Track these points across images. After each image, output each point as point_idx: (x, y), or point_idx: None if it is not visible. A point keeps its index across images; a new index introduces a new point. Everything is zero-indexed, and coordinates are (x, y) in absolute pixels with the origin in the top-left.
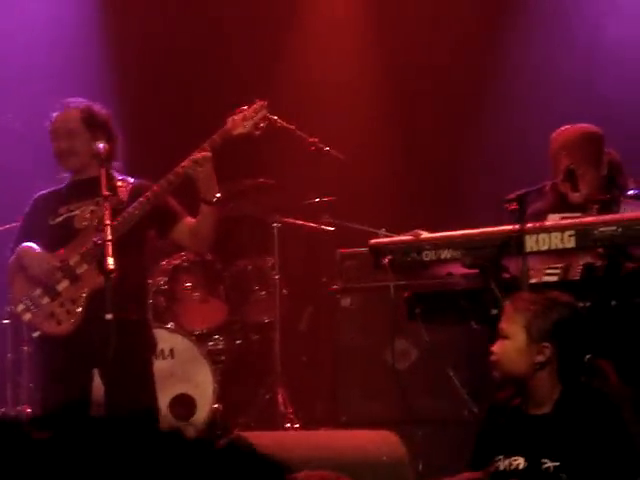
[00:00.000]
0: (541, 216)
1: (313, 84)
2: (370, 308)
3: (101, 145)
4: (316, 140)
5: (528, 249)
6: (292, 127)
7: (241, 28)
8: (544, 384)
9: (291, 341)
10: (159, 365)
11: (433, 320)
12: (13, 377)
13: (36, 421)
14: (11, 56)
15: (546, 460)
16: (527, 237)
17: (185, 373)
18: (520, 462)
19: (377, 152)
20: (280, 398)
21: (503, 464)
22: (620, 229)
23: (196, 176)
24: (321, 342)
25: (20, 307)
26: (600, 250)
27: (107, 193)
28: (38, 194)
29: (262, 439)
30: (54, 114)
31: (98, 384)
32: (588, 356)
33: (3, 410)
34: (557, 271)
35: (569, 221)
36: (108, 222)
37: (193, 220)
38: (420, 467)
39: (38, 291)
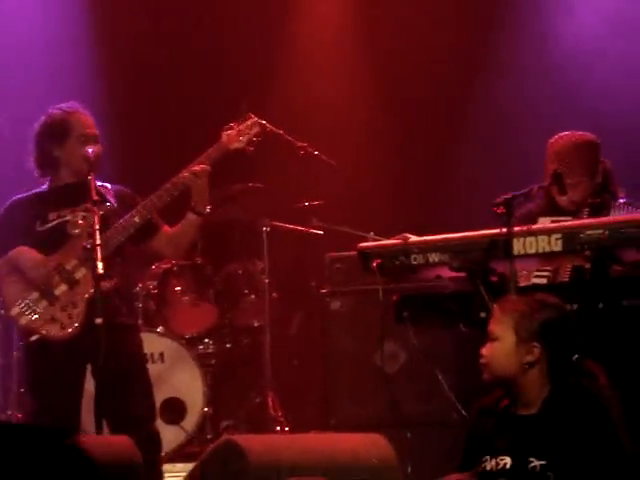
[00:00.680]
0: (532, 218)
1: (304, 91)
2: (359, 311)
3: (90, 150)
4: (305, 145)
5: (516, 252)
6: (281, 132)
7: (234, 37)
8: (534, 384)
9: (281, 344)
10: (149, 369)
11: (422, 323)
12: (3, 382)
13: None
14: None
15: (533, 459)
16: (515, 240)
17: (175, 377)
18: (507, 462)
19: (365, 156)
20: (270, 401)
21: (490, 464)
22: (607, 232)
23: (193, 188)
24: (311, 345)
25: (15, 310)
26: (587, 253)
27: (97, 198)
28: (15, 198)
29: (252, 442)
30: (84, 117)
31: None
32: (576, 356)
33: None
34: (546, 274)
35: (556, 224)
36: (97, 227)
37: (169, 229)
38: (409, 469)
39: (34, 295)
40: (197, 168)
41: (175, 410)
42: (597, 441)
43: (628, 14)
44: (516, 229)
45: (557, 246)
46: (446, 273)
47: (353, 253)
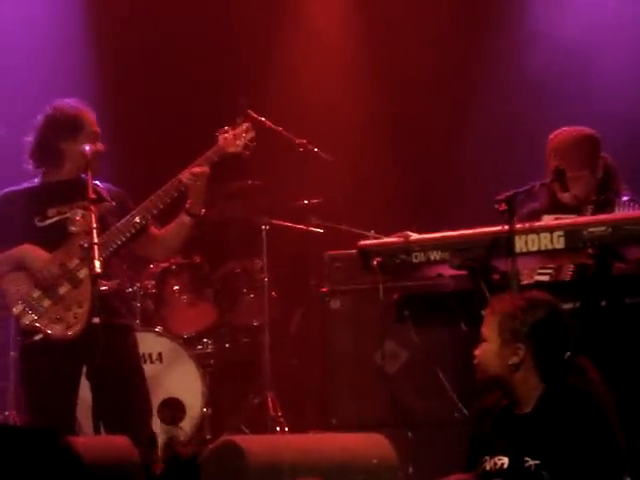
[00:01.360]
0: (536, 216)
1: (301, 88)
2: (359, 310)
3: (87, 148)
4: (304, 141)
5: (518, 250)
6: (280, 129)
7: (229, 29)
8: (524, 384)
9: (280, 344)
10: (147, 369)
11: (422, 322)
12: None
13: None
14: None
15: (528, 459)
16: (517, 238)
17: (173, 377)
18: (504, 461)
19: (365, 154)
20: (270, 401)
21: (489, 464)
22: (609, 229)
23: (191, 189)
24: (310, 345)
25: (18, 309)
26: (590, 250)
27: (93, 196)
28: (8, 191)
29: (251, 442)
30: (92, 114)
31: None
32: (568, 354)
33: None
34: (549, 271)
35: (558, 222)
36: (95, 225)
37: (158, 230)
38: (410, 469)
39: (37, 293)
40: (197, 170)
41: (174, 410)
42: (590, 440)
43: (628, 16)
44: (518, 226)
45: (559, 243)
46: (447, 271)
47: (353, 251)
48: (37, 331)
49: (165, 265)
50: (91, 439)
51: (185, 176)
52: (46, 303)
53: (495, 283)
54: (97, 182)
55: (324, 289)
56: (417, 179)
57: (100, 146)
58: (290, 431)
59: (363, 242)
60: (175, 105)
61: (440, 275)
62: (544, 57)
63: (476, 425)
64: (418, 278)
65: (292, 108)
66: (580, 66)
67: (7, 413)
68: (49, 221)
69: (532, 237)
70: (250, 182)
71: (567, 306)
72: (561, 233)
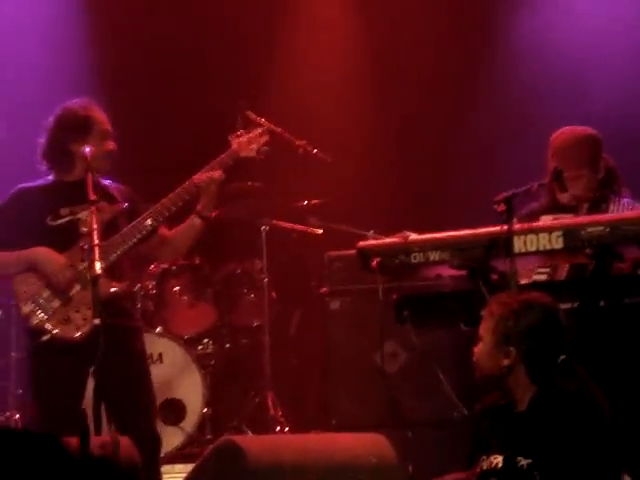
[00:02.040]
0: (535, 217)
1: (302, 89)
2: (359, 311)
3: (87, 149)
4: (304, 142)
5: (516, 250)
6: (280, 129)
7: (229, 30)
8: (517, 384)
9: (280, 344)
10: None
11: (422, 322)
12: (1, 383)
13: None
14: None
15: (520, 458)
16: (515, 238)
17: (174, 377)
18: (499, 460)
19: (365, 154)
20: (270, 401)
21: (486, 463)
22: (608, 229)
23: (204, 192)
24: (310, 345)
25: (27, 308)
26: (588, 250)
27: (94, 197)
28: (22, 187)
29: (252, 443)
30: (102, 113)
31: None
32: (562, 357)
33: None
34: (546, 271)
35: (557, 222)
36: (95, 226)
37: (168, 231)
38: (410, 469)
39: (47, 293)
40: (214, 174)
41: (174, 411)
42: (580, 440)
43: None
44: (517, 227)
45: (558, 243)
46: (446, 271)
47: (353, 252)
48: (45, 331)
49: (165, 266)
50: (92, 439)
51: (201, 179)
52: (55, 304)
53: (494, 283)
54: (109, 182)
55: (324, 289)
56: (416, 179)
57: (110, 145)
58: (290, 431)
59: (362, 243)
60: (175, 105)
61: (439, 275)
62: (544, 57)
63: (476, 425)
64: (417, 278)
65: (292, 109)
66: (578, 67)
67: (8, 414)
68: (61, 221)
69: (531, 237)
70: (250, 183)
71: (565, 306)
72: (559, 233)
